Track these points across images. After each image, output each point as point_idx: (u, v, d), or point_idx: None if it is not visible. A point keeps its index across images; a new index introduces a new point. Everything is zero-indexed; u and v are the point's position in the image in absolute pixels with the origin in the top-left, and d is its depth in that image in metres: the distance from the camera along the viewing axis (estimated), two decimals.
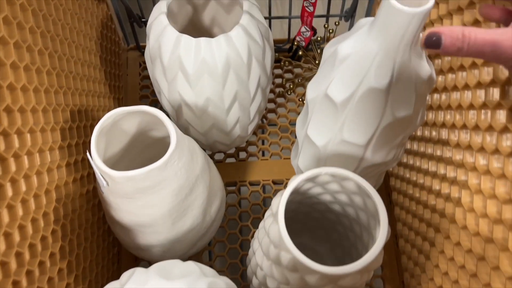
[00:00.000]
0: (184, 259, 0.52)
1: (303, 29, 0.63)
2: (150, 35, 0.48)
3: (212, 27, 0.59)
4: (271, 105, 0.70)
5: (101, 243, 0.53)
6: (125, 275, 0.36)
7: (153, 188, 0.40)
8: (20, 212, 0.37)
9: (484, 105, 0.40)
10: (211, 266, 0.59)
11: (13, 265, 0.35)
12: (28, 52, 0.40)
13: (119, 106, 0.66)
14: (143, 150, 0.51)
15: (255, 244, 0.44)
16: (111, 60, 0.64)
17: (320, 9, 0.91)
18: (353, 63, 0.36)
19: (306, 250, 0.57)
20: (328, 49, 0.41)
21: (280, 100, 0.70)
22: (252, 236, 0.60)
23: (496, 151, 0.38)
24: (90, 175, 0.51)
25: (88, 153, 0.40)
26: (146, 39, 0.50)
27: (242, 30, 0.46)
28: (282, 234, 0.34)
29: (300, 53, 0.65)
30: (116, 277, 0.54)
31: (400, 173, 0.59)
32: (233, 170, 0.64)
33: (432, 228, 0.48)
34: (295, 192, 0.40)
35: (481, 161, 0.40)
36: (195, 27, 0.59)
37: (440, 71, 0.49)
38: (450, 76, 0.47)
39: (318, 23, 0.69)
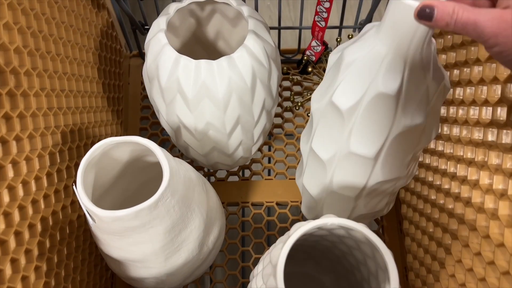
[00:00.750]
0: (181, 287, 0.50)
1: (313, 43, 0.59)
2: (148, 53, 0.45)
3: (217, 40, 0.56)
4: (278, 120, 0.67)
5: (93, 269, 0.50)
6: None
7: (143, 227, 0.37)
8: (12, 244, 0.35)
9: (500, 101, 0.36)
10: None
11: None
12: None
13: (118, 118, 0.63)
14: (139, 173, 0.48)
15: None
16: (111, 70, 0.61)
17: (334, 17, 0.86)
18: (360, 68, 0.34)
19: (310, 280, 0.54)
20: (333, 55, 0.38)
21: (287, 115, 0.67)
22: (253, 263, 0.57)
23: None
24: None
25: (74, 187, 0.37)
26: (145, 56, 0.47)
27: (246, 51, 0.43)
28: None
29: (310, 69, 0.61)
30: None
31: (413, 202, 0.55)
32: (235, 189, 0.61)
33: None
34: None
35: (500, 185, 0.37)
36: (199, 41, 0.55)
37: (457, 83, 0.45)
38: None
39: (331, 35, 0.65)
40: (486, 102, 0.40)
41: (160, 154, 0.37)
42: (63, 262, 0.43)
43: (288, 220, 0.59)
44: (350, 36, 0.61)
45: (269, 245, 0.59)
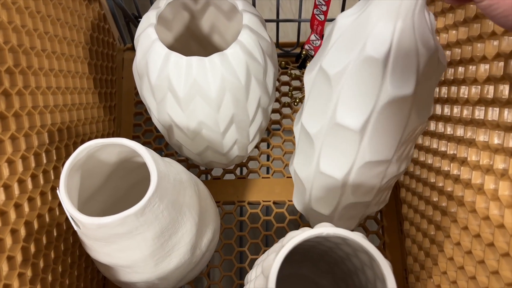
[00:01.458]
0: None
1: (312, 37, 0.57)
2: (138, 49, 0.43)
3: (212, 35, 0.54)
4: (276, 116, 0.65)
5: (83, 272, 0.49)
6: None
7: (130, 233, 0.35)
8: None
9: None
10: None
11: None
12: None
13: (111, 114, 0.61)
14: (129, 174, 0.47)
15: None
16: (103, 65, 0.59)
17: (336, 9, 0.83)
18: (351, 31, 0.33)
19: (307, 283, 0.53)
20: (330, 24, 0.37)
21: (286, 110, 0.65)
22: (249, 264, 0.55)
23: None
24: None
25: (58, 191, 0.35)
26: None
27: (240, 47, 0.41)
28: None
29: (308, 64, 0.59)
30: None
31: (414, 202, 0.53)
32: (231, 188, 0.59)
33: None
34: None
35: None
36: (194, 35, 0.53)
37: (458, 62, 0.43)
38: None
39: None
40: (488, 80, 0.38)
41: (148, 157, 0.35)
42: (50, 267, 0.41)
43: (285, 220, 0.58)
44: None
45: (266, 245, 0.58)
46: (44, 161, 0.42)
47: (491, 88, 0.38)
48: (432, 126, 0.49)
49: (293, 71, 0.64)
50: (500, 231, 0.34)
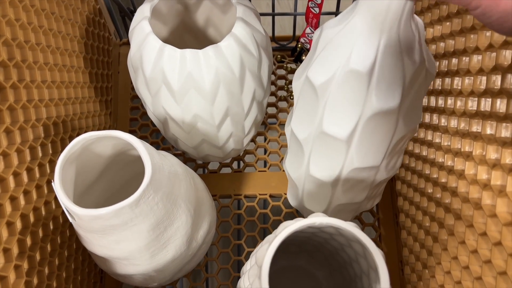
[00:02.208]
0: (171, 281, 0.49)
1: (308, 30, 0.57)
2: (132, 43, 0.43)
3: (207, 28, 0.54)
4: (272, 110, 0.65)
5: (80, 265, 0.49)
6: None
7: (125, 225, 0.35)
8: None
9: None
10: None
11: None
12: None
13: (107, 109, 0.61)
14: (125, 167, 0.47)
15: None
16: (98, 59, 0.59)
17: (331, 2, 0.83)
18: (336, 42, 0.32)
19: (304, 274, 0.53)
20: (317, 31, 0.37)
21: (282, 104, 0.65)
22: (246, 256, 0.56)
23: None
24: None
25: (53, 183, 0.35)
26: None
27: (234, 40, 0.41)
28: None
29: (304, 57, 0.59)
30: None
31: (410, 195, 0.53)
32: (228, 182, 0.60)
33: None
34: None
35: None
36: (188, 28, 0.53)
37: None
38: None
39: (327, 21, 0.63)
40: (485, 93, 0.38)
41: (142, 149, 0.35)
42: (47, 260, 0.42)
43: (282, 213, 0.58)
44: None
45: (263, 238, 0.58)
46: (40, 154, 0.42)
47: (484, 78, 0.38)
48: (427, 118, 0.49)
49: (289, 65, 0.64)
50: (493, 221, 0.35)
